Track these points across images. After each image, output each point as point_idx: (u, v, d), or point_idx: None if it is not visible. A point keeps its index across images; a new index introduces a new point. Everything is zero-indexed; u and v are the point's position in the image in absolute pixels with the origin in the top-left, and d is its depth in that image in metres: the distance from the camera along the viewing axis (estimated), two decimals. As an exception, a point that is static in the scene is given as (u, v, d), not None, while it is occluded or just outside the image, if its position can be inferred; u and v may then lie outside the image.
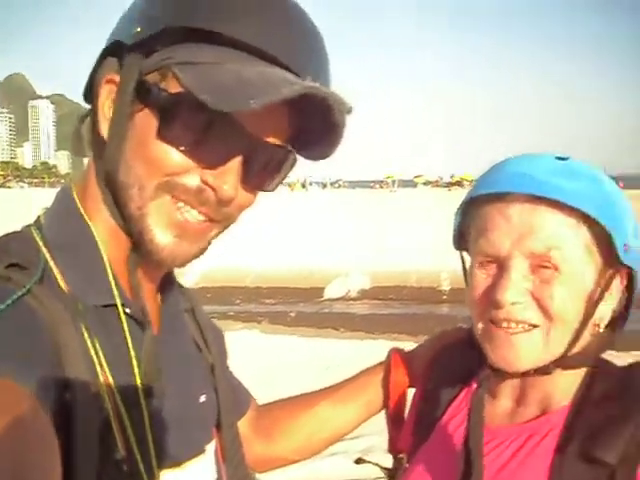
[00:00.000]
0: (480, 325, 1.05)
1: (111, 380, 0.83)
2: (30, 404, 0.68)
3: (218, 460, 1.07)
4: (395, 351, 1.34)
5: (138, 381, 0.87)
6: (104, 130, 0.87)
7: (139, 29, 0.83)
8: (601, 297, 1.01)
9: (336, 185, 69.39)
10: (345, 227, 20.15)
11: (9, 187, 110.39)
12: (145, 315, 0.90)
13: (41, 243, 0.87)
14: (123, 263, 0.91)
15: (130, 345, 0.87)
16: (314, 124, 0.88)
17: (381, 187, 62.77)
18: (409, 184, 69.63)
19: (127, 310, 0.89)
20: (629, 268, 1.02)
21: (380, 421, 1.39)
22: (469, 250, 1.11)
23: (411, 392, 1.29)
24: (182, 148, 0.84)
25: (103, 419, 0.80)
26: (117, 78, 0.86)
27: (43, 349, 0.75)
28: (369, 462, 1.34)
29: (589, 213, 0.96)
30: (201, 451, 1.01)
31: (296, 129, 0.92)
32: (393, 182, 62.73)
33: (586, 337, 1.03)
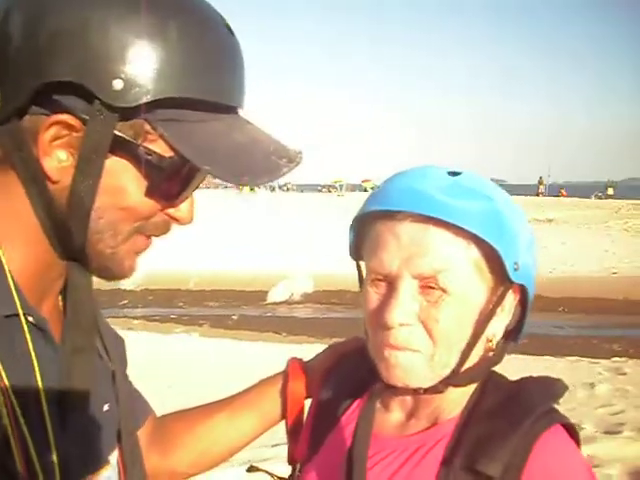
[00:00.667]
0: (372, 343, 1.05)
1: (11, 393, 0.80)
2: None
3: (120, 471, 1.05)
4: (294, 360, 1.32)
5: (42, 395, 0.85)
6: (50, 169, 0.81)
7: (120, 87, 0.77)
8: (492, 314, 1.02)
9: (285, 188, 69.28)
10: (291, 230, 20.12)
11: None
12: (49, 328, 0.89)
13: None
14: (36, 273, 0.89)
15: (33, 356, 0.85)
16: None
17: (329, 191, 62.93)
18: (358, 188, 69.91)
19: (30, 319, 0.86)
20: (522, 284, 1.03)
21: (279, 430, 1.38)
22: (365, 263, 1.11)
23: (309, 402, 1.28)
24: (156, 198, 0.86)
25: (0, 437, 0.78)
26: (71, 120, 0.79)
27: None
28: (262, 470, 1.31)
29: (477, 234, 0.96)
30: (106, 462, 1.00)
31: None
32: (341, 186, 62.98)
33: (478, 353, 1.04)
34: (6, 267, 0.86)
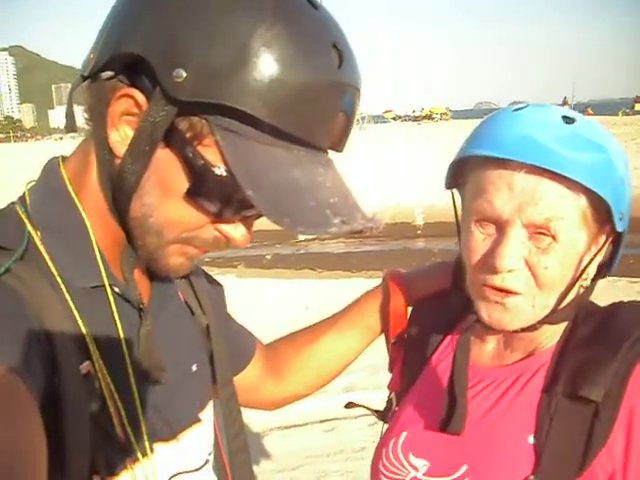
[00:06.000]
0: (474, 283, 1.06)
1: (100, 358, 0.82)
2: (13, 385, 0.67)
3: (215, 426, 1.09)
4: (392, 273, 1.35)
5: (127, 359, 0.87)
6: (114, 142, 0.81)
7: (184, 76, 0.74)
8: (591, 261, 1.04)
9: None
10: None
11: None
12: (136, 297, 0.91)
13: (27, 223, 0.84)
14: (113, 244, 0.90)
15: (119, 326, 0.87)
16: None
17: (351, 124, 62.28)
18: (379, 120, 69.23)
19: (116, 290, 0.88)
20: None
21: (361, 357, 1.42)
22: (462, 201, 1.11)
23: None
24: (204, 210, 0.83)
25: (94, 396, 0.81)
26: (137, 95, 0.79)
27: (25, 329, 0.73)
28: (360, 405, 1.37)
29: (591, 188, 0.97)
30: (196, 420, 1.02)
31: None
32: (362, 118, 62.39)
33: (573, 292, 1.05)
34: (93, 238, 0.86)
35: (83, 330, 0.81)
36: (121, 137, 0.81)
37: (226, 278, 9.72)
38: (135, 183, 0.82)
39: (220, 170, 0.78)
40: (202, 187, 0.80)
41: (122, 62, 0.79)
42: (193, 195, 0.81)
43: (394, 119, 68.24)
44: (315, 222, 0.76)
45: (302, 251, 12.07)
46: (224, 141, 0.77)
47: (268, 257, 11.39)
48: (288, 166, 0.78)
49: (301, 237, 13.05)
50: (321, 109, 0.79)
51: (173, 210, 0.82)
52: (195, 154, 0.78)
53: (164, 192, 0.82)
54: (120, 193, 0.84)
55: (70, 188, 0.87)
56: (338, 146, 0.85)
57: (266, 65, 0.74)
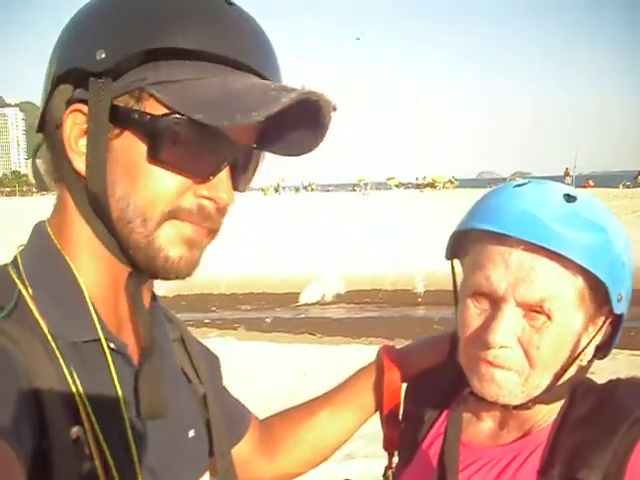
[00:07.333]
0: (466, 356, 1.06)
1: (94, 420, 0.79)
2: (0, 452, 0.64)
3: None
4: (386, 349, 1.33)
5: (126, 421, 0.84)
6: (78, 163, 0.83)
7: (103, 55, 0.79)
8: (589, 342, 1.03)
9: (309, 189, 69.43)
10: (318, 231, 20.15)
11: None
12: (143, 346, 0.89)
13: (18, 281, 0.83)
14: (108, 297, 0.89)
15: (116, 379, 0.84)
16: (296, 122, 0.87)
17: (354, 190, 62.92)
18: (382, 186, 69.83)
19: (111, 345, 0.85)
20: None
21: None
22: (463, 272, 1.11)
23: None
24: (174, 170, 0.82)
25: (86, 463, 0.77)
26: (83, 107, 0.82)
27: (15, 390, 0.71)
28: None
29: (588, 268, 0.96)
30: None
31: (268, 126, 0.90)
32: (365, 185, 62.92)
33: (569, 373, 1.04)
34: (85, 292, 0.85)
35: (74, 391, 0.78)
36: (78, 151, 0.83)
37: (226, 340, 9.66)
38: (104, 183, 0.82)
39: (167, 116, 0.80)
40: (162, 147, 0.81)
41: (58, 91, 0.85)
42: (158, 160, 0.81)
43: (397, 186, 68.81)
44: (266, 103, 0.77)
45: (302, 315, 12.02)
46: (160, 93, 0.80)
47: (268, 320, 11.34)
48: (223, 83, 0.81)
49: (301, 301, 13.01)
50: (214, 20, 0.83)
51: (146, 187, 0.82)
52: (142, 115, 0.80)
53: (132, 175, 0.82)
54: (99, 206, 0.84)
55: (56, 242, 0.87)
56: (265, 66, 0.87)
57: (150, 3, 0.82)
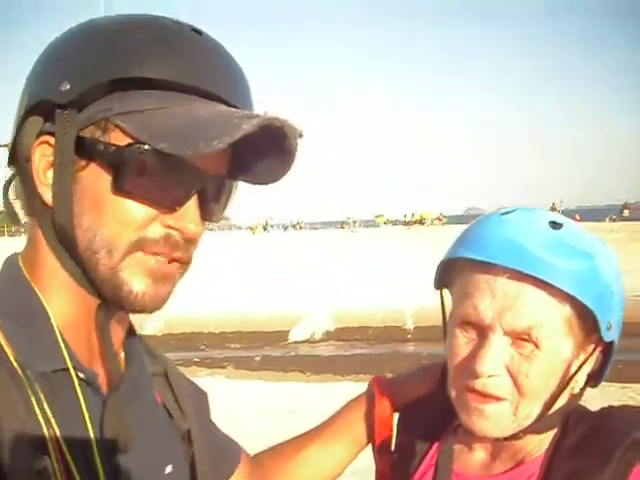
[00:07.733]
0: (455, 387, 1.05)
1: (65, 450, 0.78)
2: None
3: None
4: (377, 380, 1.32)
5: (94, 452, 0.82)
6: (46, 196, 0.84)
7: (68, 86, 0.80)
8: (579, 369, 1.02)
9: (297, 227, 69.50)
10: (307, 270, 20.11)
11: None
12: (114, 377, 0.88)
13: None
14: (79, 328, 0.88)
15: (85, 412, 0.83)
16: (263, 150, 0.88)
17: (342, 227, 63.05)
18: (370, 224, 69.99)
19: (80, 375, 0.85)
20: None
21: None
22: (452, 301, 1.10)
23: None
24: (140, 200, 0.82)
25: None
26: (50, 139, 0.83)
27: None
28: None
29: (576, 296, 0.96)
30: None
31: (239, 155, 0.91)
32: (354, 222, 63.13)
33: (560, 401, 1.03)
34: (53, 322, 0.85)
35: (42, 422, 0.77)
36: (46, 183, 0.84)
37: (215, 379, 9.57)
38: (70, 215, 0.83)
39: (131, 146, 0.80)
40: (127, 177, 0.81)
41: (29, 123, 0.85)
42: (123, 190, 0.81)
43: (385, 223, 69.02)
44: (228, 131, 0.77)
45: (292, 353, 11.94)
46: (125, 123, 0.80)
47: (257, 358, 11.26)
48: (187, 112, 0.81)
49: (291, 339, 12.93)
50: (178, 50, 0.84)
51: (112, 218, 0.82)
52: (106, 146, 0.81)
53: (98, 206, 0.82)
54: (66, 238, 0.84)
55: (25, 273, 0.87)
56: (232, 93, 0.87)
57: (121, 38, 0.83)
